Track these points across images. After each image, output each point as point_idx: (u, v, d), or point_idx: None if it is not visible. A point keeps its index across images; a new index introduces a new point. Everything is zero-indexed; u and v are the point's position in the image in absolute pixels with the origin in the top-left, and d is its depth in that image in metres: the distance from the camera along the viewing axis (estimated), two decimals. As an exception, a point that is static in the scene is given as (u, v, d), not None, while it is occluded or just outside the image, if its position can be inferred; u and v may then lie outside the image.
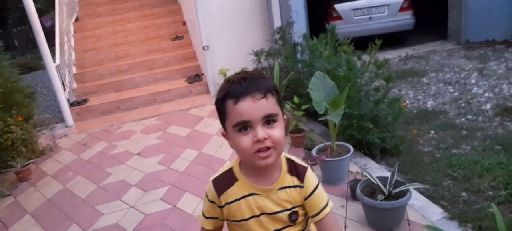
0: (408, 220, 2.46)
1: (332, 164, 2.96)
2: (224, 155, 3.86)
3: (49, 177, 4.12)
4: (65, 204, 3.46)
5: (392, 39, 7.76)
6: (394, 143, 3.33)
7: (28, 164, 4.20)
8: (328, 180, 3.04)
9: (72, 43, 7.86)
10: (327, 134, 3.81)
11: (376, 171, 3.03)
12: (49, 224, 3.16)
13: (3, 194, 3.79)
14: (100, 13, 8.94)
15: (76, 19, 8.79)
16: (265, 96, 0.98)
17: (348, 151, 3.01)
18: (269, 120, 1.00)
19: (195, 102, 5.93)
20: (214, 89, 6.11)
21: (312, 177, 1.14)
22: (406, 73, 5.99)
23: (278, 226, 1.13)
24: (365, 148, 3.36)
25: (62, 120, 5.97)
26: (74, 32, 8.26)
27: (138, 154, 4.34)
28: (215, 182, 1.14)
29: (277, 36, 5.59)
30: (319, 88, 3.06)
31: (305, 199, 1.13)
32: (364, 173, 2.64)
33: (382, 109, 3.32)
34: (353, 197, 2.75)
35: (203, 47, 6.06)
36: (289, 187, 1.11)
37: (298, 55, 5.07)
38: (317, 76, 3.11)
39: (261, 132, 0.98)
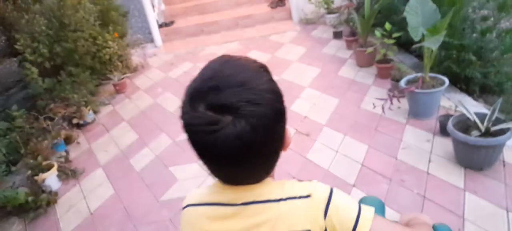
0: (503, 161, 2.23)
1: (422, 96, 2.74)
2: (303, 82, 3.80)
3: (141, 91, 4.48)
4: (155, 116, 3.77)
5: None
6: (498, 80, 2.94)
7: (123, 78, 4.60)
8: (416, 113, 2.84)
9: (161, -34, 8.04)
10: (419, 67, 3.49)
11: (473, 108, 2.70)
12: (142, 131, 3.50)
13: (104, 103, 4.25)
14: None
15: None
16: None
17: (442, 83, 2.74)
18: None
19: (276, 29, 5.82)
20: (297, 15, 5.89)
21: None
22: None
23: None
24: (462, 83, 3.03)
25: (152, 40, 6.32)
26: (163, -46, 8.40)
27: (220, 75, 4.47)
28: None
29: (371, -44, 5.06)
30: (418, 11, 2.75)
31: None
32: (459, 108, 2.39)
33: (489, 41, 2.91)
34: (442, 132, 2.55)
35: (288, -30, 5.77)
36: None
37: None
38: (416, -2, 2.79)
39: None
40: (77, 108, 3.66)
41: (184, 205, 0.77)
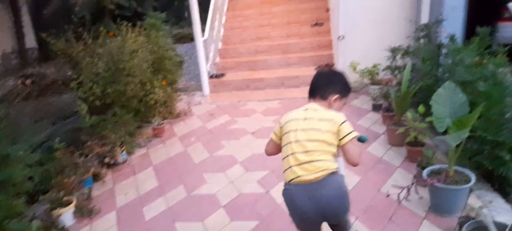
0: None
1: (443, 191, 2.52)
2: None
3: (176, 137, 4.68)
4: (181, 165, 3.89)
5: None
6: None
7: (163, 123, 4.86)
8: (437, 208, 2.61)
9: (223, 21, 8.59)
10: (453, 155, 3.25)
11: (503, 212, 2.45)
12: (163, 179, 3.62)
13: (140, 145, 4.49)
14: (252, -7, 9.44)
15: (232, -2, 9.53)
16: None
17: (467, 180, 2.52)
18: None
19: (320, 92, 5.82)
20: (342, 82, 5.86)
21: None
22: None
23: None
24: (496, 182, 2.75)
25: (201, 89, 6.66)
26: (227, 10, 8.99)
27: (252, 133, 4.54)
28: None
29: (421, 33, 4.96)
30: (445, 102, 2.64)
31: None
32: (483, 211, 2.16)
33: (531, 140, 2.64)
34: (461, 237, 2.30)
35: (338, 37, 5.85)
36: None
37: (442, 59, 4.40)
38: (446, 87, 2.69)
39: None
40: (111, 148, 3.91)
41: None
